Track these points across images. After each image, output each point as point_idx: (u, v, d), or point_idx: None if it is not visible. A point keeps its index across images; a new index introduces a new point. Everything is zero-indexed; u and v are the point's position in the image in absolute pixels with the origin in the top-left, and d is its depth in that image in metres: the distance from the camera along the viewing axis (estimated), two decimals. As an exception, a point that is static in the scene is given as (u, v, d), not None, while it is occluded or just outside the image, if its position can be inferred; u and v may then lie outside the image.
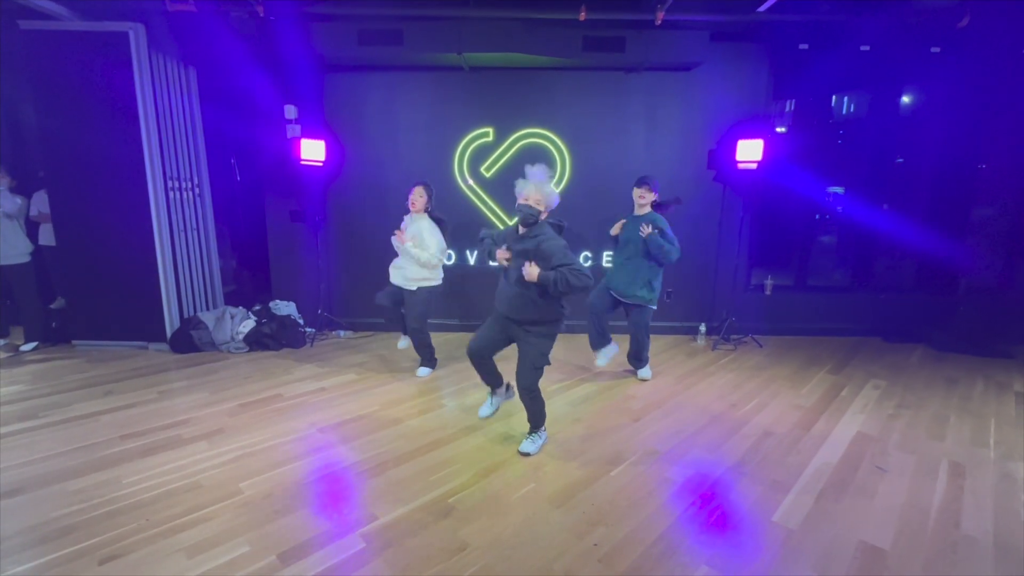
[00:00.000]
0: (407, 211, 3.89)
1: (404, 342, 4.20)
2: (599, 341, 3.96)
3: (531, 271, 2.53)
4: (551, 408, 3.45)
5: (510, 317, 2.73)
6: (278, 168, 4.88)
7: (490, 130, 4.92)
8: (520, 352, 2.78)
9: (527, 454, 2.85)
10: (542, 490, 2.53)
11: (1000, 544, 2.21)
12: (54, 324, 4.67)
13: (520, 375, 2.77)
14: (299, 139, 4.45)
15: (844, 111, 5.61)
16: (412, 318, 3.88)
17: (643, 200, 3.76)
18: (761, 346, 4.94)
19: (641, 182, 3.78)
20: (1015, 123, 4.88)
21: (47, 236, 4.66)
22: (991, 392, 3.94)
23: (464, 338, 5.05)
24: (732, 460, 2.85)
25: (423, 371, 4.09)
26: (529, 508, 2.39)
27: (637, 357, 4.05)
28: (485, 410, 3.10)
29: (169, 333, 4.52)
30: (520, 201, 2.61)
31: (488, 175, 5.01)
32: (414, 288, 3.83)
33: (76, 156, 4.23)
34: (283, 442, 2.97)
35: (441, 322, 5.20)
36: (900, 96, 5.19)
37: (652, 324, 3.99)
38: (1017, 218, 5.03)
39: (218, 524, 2.23)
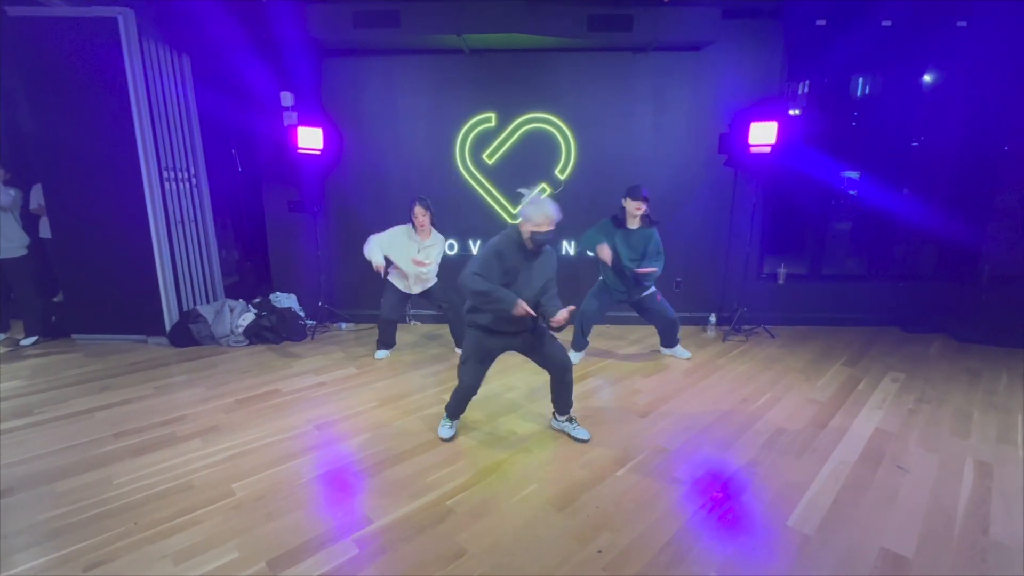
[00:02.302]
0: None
1: (385, 353, 4.27)
2: (583, 343, 4.12)
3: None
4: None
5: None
6: (275, 157, 4.76)
7: (492, 115, 4.75)
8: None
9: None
10: (544, 492, 2.43)
11: (1032, 551, 2.07)
12: (54, 318, 4.63)
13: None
14: (296, 127, 4.32)
15: (862, 91, 5.35)
16: (453, 299, 4.01)
17: (639, 212, 3.67)
18: (774, 337, 4.78)
19: (637, 193, 3.63)
20: (1045, 101, 4.62)
21: (47, 229, 4.59)
22: (1016, 385, 3.77)
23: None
24: (744, 459, 2.73)
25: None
26: (530, 511, 2.28)
27: (673, 338, 4.16)
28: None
29: (168, 327, 4.46)
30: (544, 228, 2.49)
31: (491, 162, 4.86)
32: (436, 280, 4.07)
33: (68, 147, 4.13)
34: (279, 440, 2.89)
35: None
36: (922, 74, 4.92)
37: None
38: (1044, 202, 4.79)
39: (208, 528, 2.15)
